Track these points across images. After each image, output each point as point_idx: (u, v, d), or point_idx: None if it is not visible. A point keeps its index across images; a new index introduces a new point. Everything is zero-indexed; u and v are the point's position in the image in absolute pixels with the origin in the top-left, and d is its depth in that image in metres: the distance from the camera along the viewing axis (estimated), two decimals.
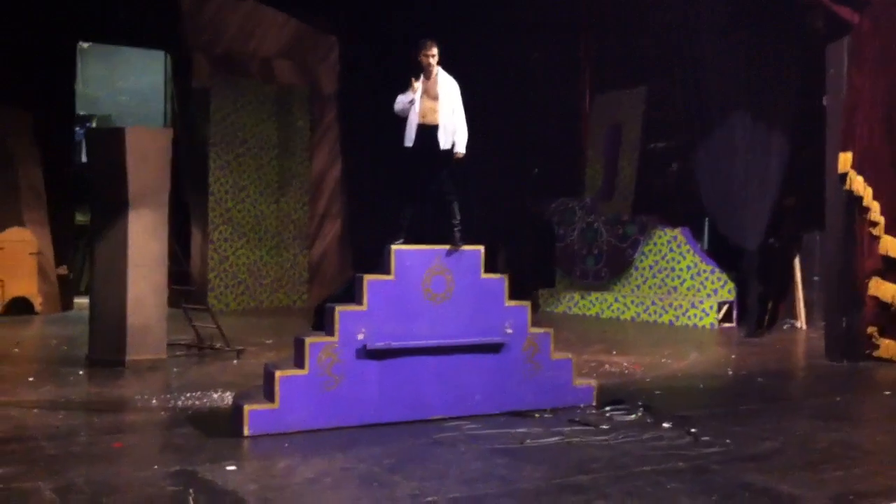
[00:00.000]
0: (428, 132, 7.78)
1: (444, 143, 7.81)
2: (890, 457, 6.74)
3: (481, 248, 7.86)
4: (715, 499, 5.47)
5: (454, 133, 7.85)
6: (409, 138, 7.82)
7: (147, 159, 10.33)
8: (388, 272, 7.46)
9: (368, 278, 7.40)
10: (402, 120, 7.89)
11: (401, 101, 7.82)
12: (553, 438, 6.97)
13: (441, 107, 7.81)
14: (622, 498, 5.46)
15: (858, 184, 10.86)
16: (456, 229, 7.79)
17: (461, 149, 7.87)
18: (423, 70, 7.85)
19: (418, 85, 7.78)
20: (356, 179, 18.27)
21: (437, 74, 7.85)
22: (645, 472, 6.03)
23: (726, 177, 13.79)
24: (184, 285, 12.24)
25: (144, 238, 10.30)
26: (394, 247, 7.50)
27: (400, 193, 8.08)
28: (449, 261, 7.65)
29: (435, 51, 7.81)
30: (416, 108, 7.76)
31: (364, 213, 17.74)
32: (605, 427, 7.33)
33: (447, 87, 7.86)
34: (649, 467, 6.16)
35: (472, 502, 5.45)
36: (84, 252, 16.64)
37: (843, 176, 10.93)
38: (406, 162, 7.89)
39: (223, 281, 17.03)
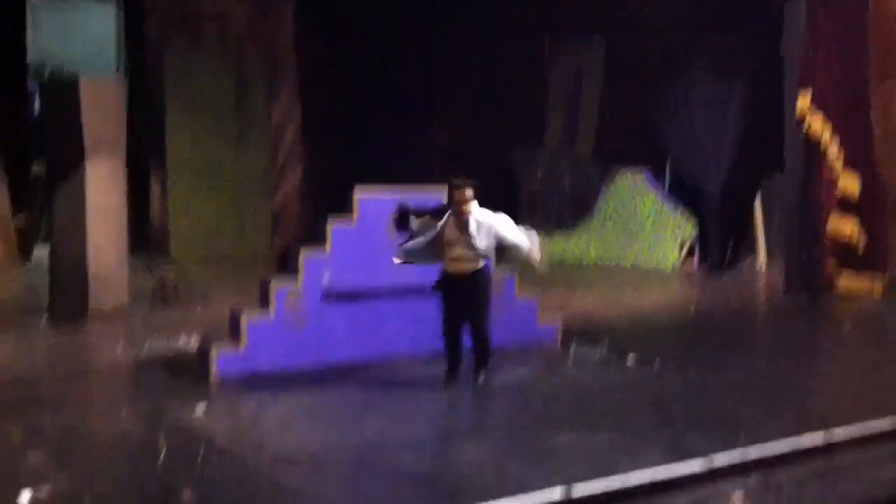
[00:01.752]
0: (458, 280, 6.63)
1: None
2: (848, 384, 6.91)
3: (444, 191, 7.82)
4: (679, 424, 5.59)
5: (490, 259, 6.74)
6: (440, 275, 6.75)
7: (102, 110, 10.21)
8: (352, 217, 7.45)
9: (332, 223, 7.38)
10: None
11: (414, 245, 6.70)
12: (518, 376, 7.05)
13: (476, 250, 6.57)
14: (587, 431, 5.55)
15: (817, 122, 10.96)
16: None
17: (536, 255, 6.70)
18: (453, 210, 6.60)
19: (440, 224, 6.63)
20: (317, 127, 18.07)
21: (469, 216, 6.56)
22: (609, 406, 6.13)
23: (687, 121, 13.87)
24: (144, 235, 12.11)
25: (102, 188, 10.18)
26: (357, 194, 7.47)
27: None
28: (413, 205, 7.63)
29: (469, 193, 6.56)
30: (445, 253, 6.62)
31: (326, 160, 17.59)
32: (569, 364, 7.43)
33: (484, 227, 6.58)
34: (613, 401, 6.26)
35: (439, 441, 5.52)
36: (42, 203, 16.40)
37: (802, 115, 11.03)
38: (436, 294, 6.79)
39: (184, 231, 16.84)
